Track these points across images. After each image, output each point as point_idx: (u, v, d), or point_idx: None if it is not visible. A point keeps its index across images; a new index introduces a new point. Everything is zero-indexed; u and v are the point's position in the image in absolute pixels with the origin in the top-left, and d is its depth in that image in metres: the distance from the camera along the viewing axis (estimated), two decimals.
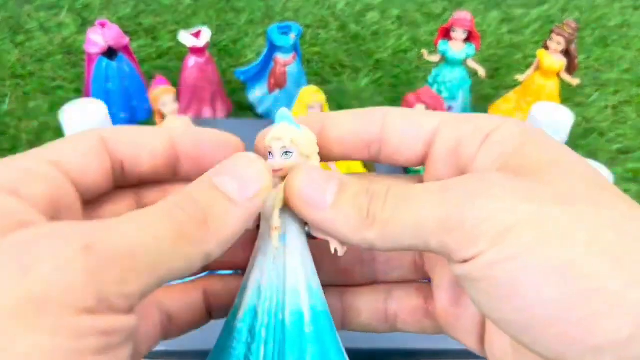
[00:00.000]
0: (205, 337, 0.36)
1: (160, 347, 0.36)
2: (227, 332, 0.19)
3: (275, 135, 0.18)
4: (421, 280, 0.22)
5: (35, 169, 0.16)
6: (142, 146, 0.19)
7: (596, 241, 0.14)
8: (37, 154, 0.17)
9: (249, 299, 0.19)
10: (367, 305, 0.21)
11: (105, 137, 0.18)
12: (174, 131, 0.20)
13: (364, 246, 0.17)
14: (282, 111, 0.19)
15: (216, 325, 0.38)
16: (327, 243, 0.18)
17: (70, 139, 0.18)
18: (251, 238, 0.19)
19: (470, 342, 0.20)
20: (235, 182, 0.16)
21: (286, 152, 0.18)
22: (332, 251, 0.18)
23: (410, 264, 0.22)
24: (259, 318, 0.18)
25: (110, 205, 0.19)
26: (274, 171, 0.18)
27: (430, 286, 0.21)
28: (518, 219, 0.14)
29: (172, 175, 0.20)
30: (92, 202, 0.19)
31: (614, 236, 0.14)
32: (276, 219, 0.18)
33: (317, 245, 0.19)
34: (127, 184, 0.20)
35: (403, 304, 0.21)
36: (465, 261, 0.15)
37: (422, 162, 0.20)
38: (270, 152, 0.18)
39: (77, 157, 0.17)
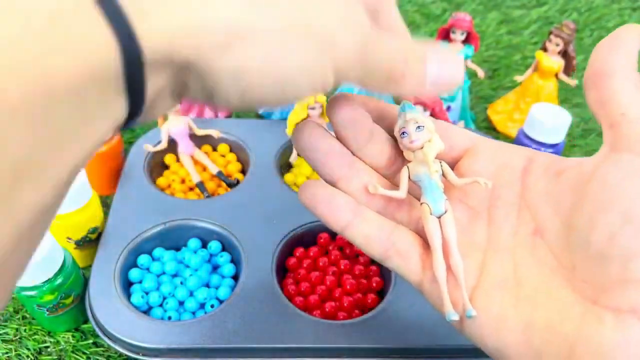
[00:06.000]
0: (205, 336, 0.37)
1: (161, 345, 0.36)
2: None
3: (409, 117, 0.24)
4: None
5: None
6: None
7: None
8: None
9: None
10: None
11: None
12: None
13: None
14: (406, 102, 0.25)
15: (217, 326, 0.38)
16: None
17: None
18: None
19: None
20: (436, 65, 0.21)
21: (418, 127, 0.24)
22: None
23: None
24: None
25: None
26: (412, 142, 0.24)
27: None
28: None
29: None
30: None
31: None
32: (434, 166, 0.24)
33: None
34: None
35: None
36: None
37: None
38: (403, 133, 0.24)
39: None
